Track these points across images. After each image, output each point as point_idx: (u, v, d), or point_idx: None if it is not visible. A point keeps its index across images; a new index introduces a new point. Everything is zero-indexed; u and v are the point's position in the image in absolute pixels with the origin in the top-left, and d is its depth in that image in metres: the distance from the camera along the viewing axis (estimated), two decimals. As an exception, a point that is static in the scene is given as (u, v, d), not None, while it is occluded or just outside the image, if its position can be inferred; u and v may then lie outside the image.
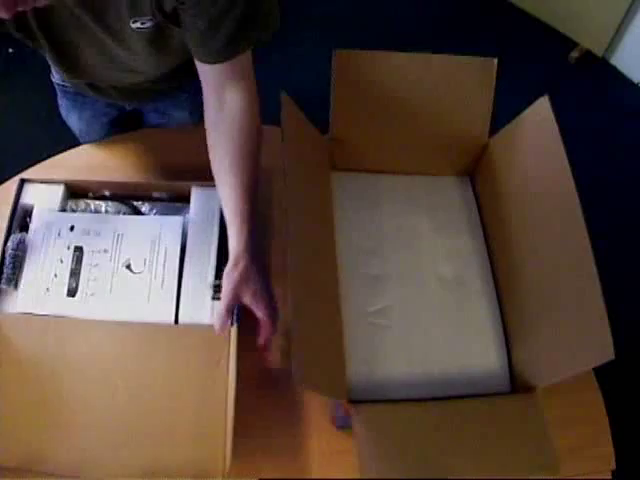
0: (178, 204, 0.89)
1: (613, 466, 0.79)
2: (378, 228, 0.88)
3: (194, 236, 0.84)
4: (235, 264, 0.71)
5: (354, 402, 0.70)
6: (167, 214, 0.87)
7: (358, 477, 0.66)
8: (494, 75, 0.82)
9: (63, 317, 0.78)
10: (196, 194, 0.88)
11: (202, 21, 0.66)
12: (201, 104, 0.90)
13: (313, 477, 0.76)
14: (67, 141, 1.06)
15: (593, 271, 0.64)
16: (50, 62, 0.84)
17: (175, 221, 0.85)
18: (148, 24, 0.69)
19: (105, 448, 0.72)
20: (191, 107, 1.06)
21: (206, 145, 0.76)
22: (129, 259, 0.82)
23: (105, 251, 0.82)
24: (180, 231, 0.84)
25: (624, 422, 0.90)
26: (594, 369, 0.77)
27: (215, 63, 0.70)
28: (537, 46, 2.11)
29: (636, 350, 1.21)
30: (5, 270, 0.80)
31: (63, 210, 0.87)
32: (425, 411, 0.71)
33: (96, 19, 0.69)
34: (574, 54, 2.06)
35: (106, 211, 0.88)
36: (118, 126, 1.11)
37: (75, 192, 0.89)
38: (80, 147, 1.02)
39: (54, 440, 0.72)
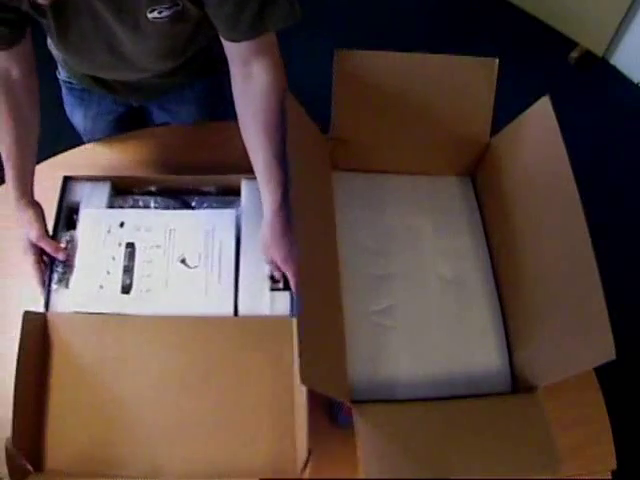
0: (227, 197, 0.88)
1: (614, 466, 0.79)
2: (380, 228, 0.88)
3: (248, 228, 0.83)
4: (268, 227, 0.76)
5: (356, 402, 0.70)
6: (217, 207, 0.87)
7: (361, 477, 0.66)
8: (495, 75, 0.82)
9: (120, 314, 0.77)
10: (247, 186, 0.87)
11: (228, 6, 0.67)
12: (207, 102, 0.89)
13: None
14: (68, 139, 1.06)
15: (594, 271, 0.64)
16: (55, 48, 0.83)
17: (228, 214, 0.84)
18: (165, 13, 0.69)
19: (173, 448, 0.71)
20: (197, 104, 1.06)
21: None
22: (183, 254, 0.81)
23: (158, 246, 0.81)
24: (234, 224, 0.83)
25: (625, 422, 0.90)
26: (595, 369, 0.77)
27: (241, 41, 0.71)
28: (537, 46, 2.10)
29: (637, 350, 1.21)
30: (55, 269, 0.79)
31: (111, 207, 0.86)
32: (427, 411, 0.71)
33: (111, 7, 0.69)
34: (574, 54, 2.06)
35: (155, 206, 0.87)
36: (123, 124, 1.10)
37: (119, 188, 0.89)
38: (83, 146, 1.01)
39: (119, 443, 0.71)
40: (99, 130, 1.09)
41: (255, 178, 0.83)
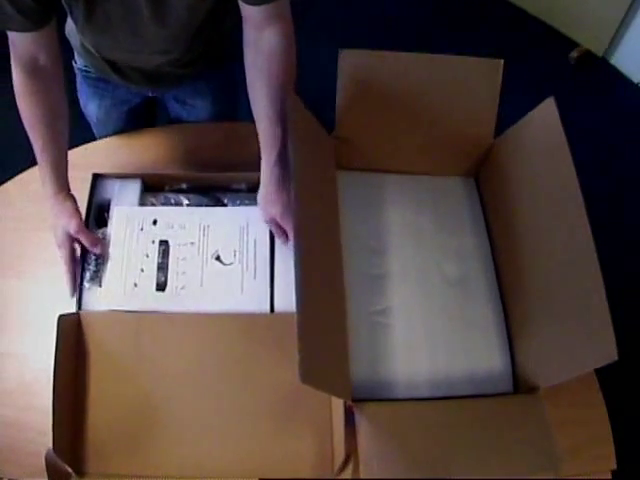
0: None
1: (613, 466, 0.80)
2: (383, 228, 0.88)
3: None
4: (264, 184, 0.78)
5: (357, 401, 0.70)
6: (250, 204, 0.86)
7: (361, 477, 0.66)
8: (500, 76, 0.82)
9: (155, 312, 0.77)
10: None
11: None
12: (222, 97, 0.89)
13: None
14: (69, 140, 1.06)
15: (597, 272, 0.65)
16: (78, 31, 0.84)
17: None
18: None
19: (210, 447, 0.71)
20: (212, 96, 1.06)
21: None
22: (218, 251, 0.81)
23: (192, 244, 0.81)
24: None
25: (625, 422, 0.90)
26: (595, 369, 0.77)
27: (260, 5, 0.72)
28: (537, 46, 2.11)
29: (637, 350, 1.21)
30: (87, 267, 0.79)
31: (142, 204, 0.85)
32: (428, 410, 0.72)
33: None
34: (574, 54, 2.06)
35: (187, 204, 0.86)
36: (136, 116, 1.10)
37: (148, 186, 0.88)
38: (99, 141, 1.01)
39: (157, 443, 0.71)
40: (112, 121, 1.08)
41: None
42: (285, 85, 0.76)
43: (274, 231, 0.81)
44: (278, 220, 0.78)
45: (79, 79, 1.04)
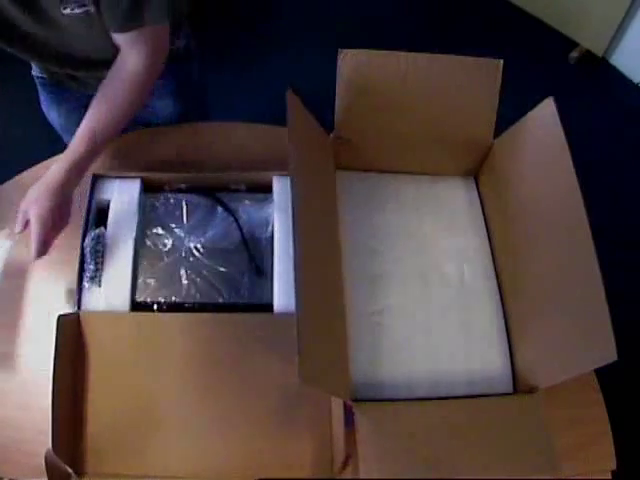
0: (258, 194, 0.89)
1: (613, 466, 0.80)
2: (382, 227, 0.88)
3: (281, 224, 0.84)
4: (46, 180, 0.77)
5: (357, 401, 0.70)
6: (249, 204, 0.87)
7: (360, 477, 0.66)
8: (500, 76, 0.82)
9: (153, 312, 0.78)
10: (278, 183, 0.87)
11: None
12: (180, 91, 0.91)
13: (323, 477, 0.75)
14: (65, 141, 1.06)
15: (596, 272, 0.65)
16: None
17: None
18: (78, 10, 0.74)
19: (209, 447, 0.72)
20: (171, 96, 1.05)
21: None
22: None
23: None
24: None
25: (625, 422, 0.90)
26: (595, 369, 0.77)
27: (118, 32, 0.78)
28: (537, 46, 2.11)
29: (637, 350, 1.21)
30: (87, 267, 0.79)
31: (142, 205, 0.86)
32: (427, 411, 0.71)
33: (25, 11, 0.72)
34: (574, 54, 2.06)
35: (186, 203, 0.87)
36: None
37: (149, 186, 0.89)
38: None
39: (155, 442, 0.72)
40: (75, 126, 1.07)
41: (286, 174, 0.84)
42: (125, 110, 0.80)
43: (19, 219, 0.77)
44: (30, 216, 0.75)
45: (39, 88, 1.05)
